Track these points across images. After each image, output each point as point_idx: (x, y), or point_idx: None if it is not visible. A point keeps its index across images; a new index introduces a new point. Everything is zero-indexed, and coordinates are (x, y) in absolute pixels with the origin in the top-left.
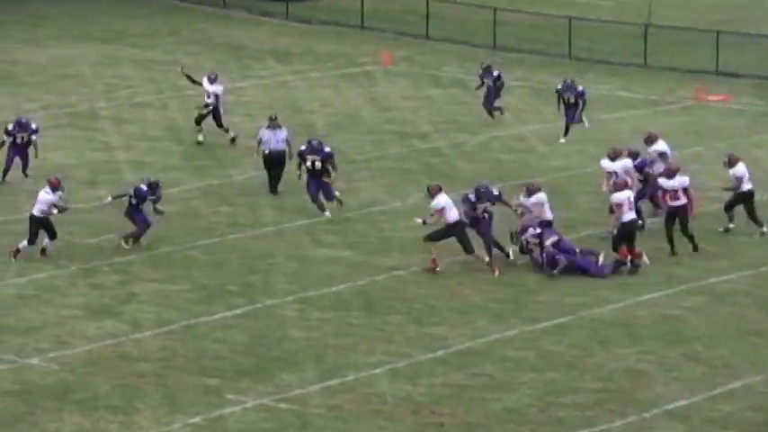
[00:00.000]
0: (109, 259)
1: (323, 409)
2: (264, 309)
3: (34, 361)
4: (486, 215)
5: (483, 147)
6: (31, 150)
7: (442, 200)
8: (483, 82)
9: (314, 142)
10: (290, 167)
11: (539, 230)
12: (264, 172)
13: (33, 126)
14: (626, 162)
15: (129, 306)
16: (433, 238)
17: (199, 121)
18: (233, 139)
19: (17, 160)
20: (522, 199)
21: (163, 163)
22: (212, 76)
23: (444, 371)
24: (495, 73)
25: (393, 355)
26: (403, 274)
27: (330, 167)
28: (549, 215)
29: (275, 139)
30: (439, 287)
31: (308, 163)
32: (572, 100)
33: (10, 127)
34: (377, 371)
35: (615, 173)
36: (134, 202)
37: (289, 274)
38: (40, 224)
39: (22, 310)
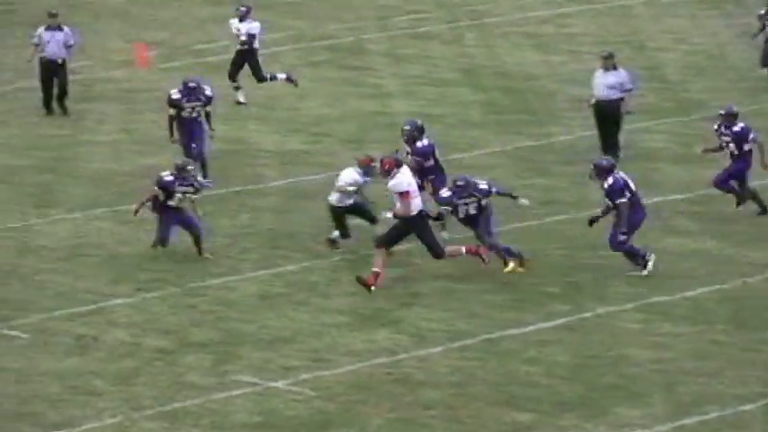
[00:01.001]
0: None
1: None
2: (595, 319)
3: (280, 384)
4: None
5: None
6: (204, 126)
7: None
8: (765, 26)
9: None
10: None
11: None
12: (596, 131)
13: (208, 92)
14: None
15: (411, 312)
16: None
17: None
18: (239, 102)
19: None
20: None
21: (455, 116)
22: (243, 11)
23: None
24: None
25: None
26: None
27: None
28: None
29: (606, 85)
30: None
31: None
32: None
33: (175, 94)
34: (748, 407)
35: None
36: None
37: (628, 273)
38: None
39: (265, 315)
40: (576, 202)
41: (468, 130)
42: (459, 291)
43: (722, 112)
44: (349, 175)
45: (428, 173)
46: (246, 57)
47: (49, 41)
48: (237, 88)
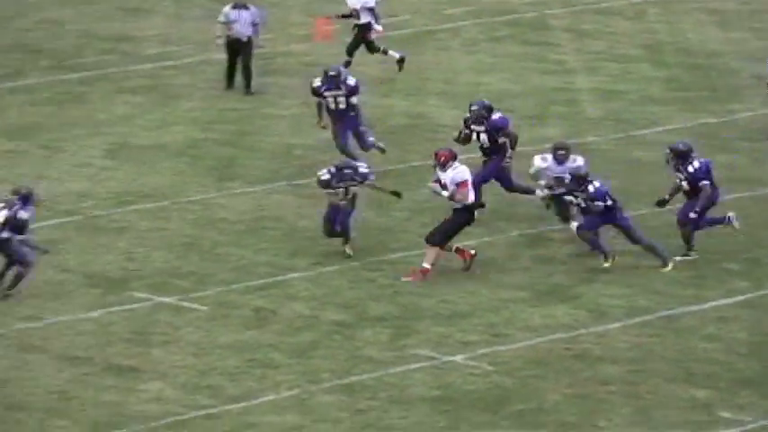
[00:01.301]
0: (561, 223)
1: None
2: None
3: (458, 358)
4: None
5: None
6: (347, 118)
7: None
8: None
9: None
10: None
11: None
12: None
13: (351, 82)
14: None
15: (591, 288)
16: None
17: (372, 49)
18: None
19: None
20: None
21: (638, 92)
22: None
23: None
24: None
25: None
26: None
27: None
28: None
29: None
30: None
31: None
32: None
33: (316, 82)
34: None
35: None
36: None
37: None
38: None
39: (443, 290)
40: (757, 178)
41: (649, 107)
42: (641, 267)
43: None
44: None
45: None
46: (362, 30)
47: (235, 20)
48: (385, 52)
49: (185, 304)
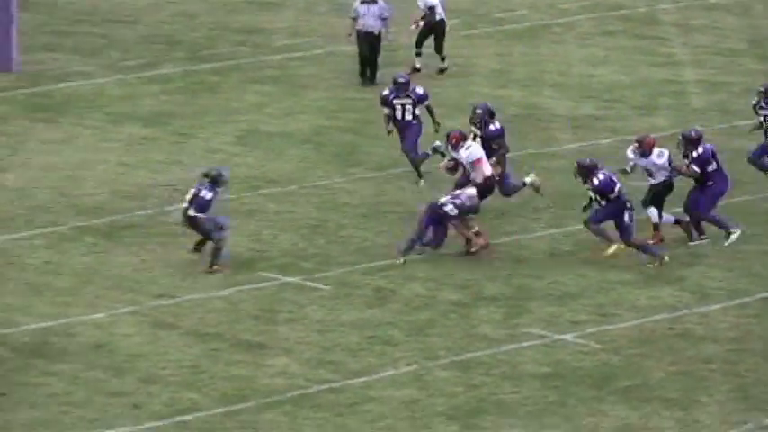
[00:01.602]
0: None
1: None
2: None
3: (568, 337)
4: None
5: None
6: (413, 127)
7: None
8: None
9: None
10: None
11: None
12: None
13: (419, 91)
14: None
15: (694, 270)
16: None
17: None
18: (416, 69)
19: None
20: None
21: (741, 85)
22: None
23: None
24: None
25: None
26: None
27: None
28: None
29: None
30: None
31: None
32: None
33: (385, 91)
34: None
35: None
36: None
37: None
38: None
39: (554, 272)
40: None
41: (752, 98)
42: (743, 251)
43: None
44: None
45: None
46: (434, 29)
47: (365, 14)
48: (418, 54)
49: (310, 284)
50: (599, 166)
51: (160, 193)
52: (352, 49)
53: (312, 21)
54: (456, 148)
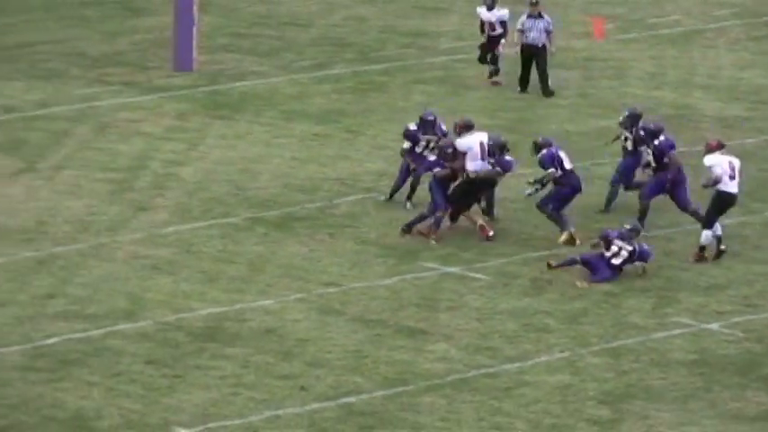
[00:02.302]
0: None
1: None
2: None
3: (714, 326)
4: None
5: None
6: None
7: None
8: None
9: None
10: None
11: None
12: None
13: (443, 126)
14: None
15: None
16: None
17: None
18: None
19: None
20: None
21: None
22: (489, 1)
23: None
24: None
25: None
26: None
27: None
28: None
29: None
30: None
31: None
32: None
33: (412, 126)
34: None
35: None
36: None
37: None
38: None
39: (702, 265)
40: None
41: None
42: None
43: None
44: None
45: None
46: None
47: (530, 28)
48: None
49: (469, 274)
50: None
51: (330, 186)
52: (512, 52)
53: (475, 25)
54: (459, 134)
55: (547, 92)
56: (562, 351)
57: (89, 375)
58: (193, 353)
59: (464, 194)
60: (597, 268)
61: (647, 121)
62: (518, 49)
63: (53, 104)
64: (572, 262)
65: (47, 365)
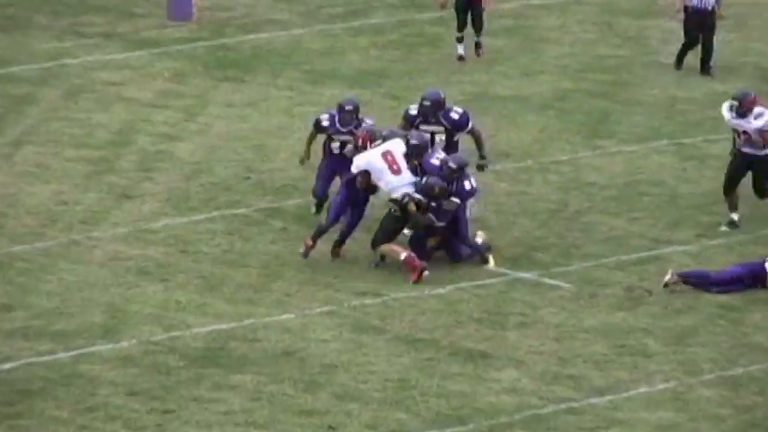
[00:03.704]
0: None
1: None
2: None
3: None
4: None
5: None
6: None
7: None
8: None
9: None
10: None
11: None
12: None
13: (454, 115)
14: None
15: None
16: None
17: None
18: None
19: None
20: None
21: None
22: None
23: None
24: None
25: None
26: None
27: None
28: None
29: None
30: None
31: None
32: None
33: (325, 120)
34: None
35: None
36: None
37: None
38: None
39: None
40: None
41: None
42: None
43: None
44: None
45: None
46: None
47: None
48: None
49: (546, 281)
50: None
51: None
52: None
53: None
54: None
55: (706, 69)
56: (666, 380)
57: (56, 410)
58: (190, 381)
59: (392, 224)
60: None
61: None
62: (680, 15)
63: (13, 63)
64: (702, 278)
65: (1, 398)
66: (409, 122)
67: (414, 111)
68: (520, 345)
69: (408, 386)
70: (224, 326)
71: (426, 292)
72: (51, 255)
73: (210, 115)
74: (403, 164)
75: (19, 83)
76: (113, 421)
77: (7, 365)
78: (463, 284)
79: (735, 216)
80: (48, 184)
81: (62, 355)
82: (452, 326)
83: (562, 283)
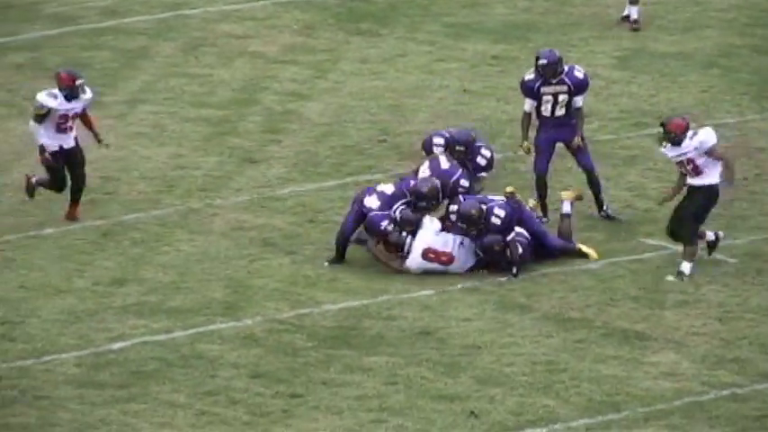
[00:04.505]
0: None
1: None
2: None
3: None
4: None
5: None
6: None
7: None
8: None
9: None
10: None
11: None
12: None
13: (579, 74)
14: None
15: None
16: None
17: None
18: None
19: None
20: None
21: None
22: None
23: None
24: None
25: None
26: None
27: None
28: None
29: None
30: None
31: None
32: None
33: (529, 75)
34: None
35: None
36: None
37: None
38: None
39: None
40: None
41: None
42: None
43: None
44: None
45: None
46: None
47: None
48: None
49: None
50: None
51: (514, 130)
52: None
53: None
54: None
55: None
56: None
57: (172, 393)
58: (319, 363)
59: None
60: None
61: None
62: None
63: (126, 13)
64: None
65: (113, 380)
66: (529, 88)
67: (530, 75)
68: (679, 325)
69: (557, 370)
70: (356, 303)
71: (577, 266)
72: (167, 224)
73: (342, 72)
74: (448, 247)
75: (133, 35)
76: (235, 406)
77: (119, 344)
78: (618, 259)
79: None
80: (164, 146)
81: (179, 334)
82: (606, 304)
83: (727, 258)
